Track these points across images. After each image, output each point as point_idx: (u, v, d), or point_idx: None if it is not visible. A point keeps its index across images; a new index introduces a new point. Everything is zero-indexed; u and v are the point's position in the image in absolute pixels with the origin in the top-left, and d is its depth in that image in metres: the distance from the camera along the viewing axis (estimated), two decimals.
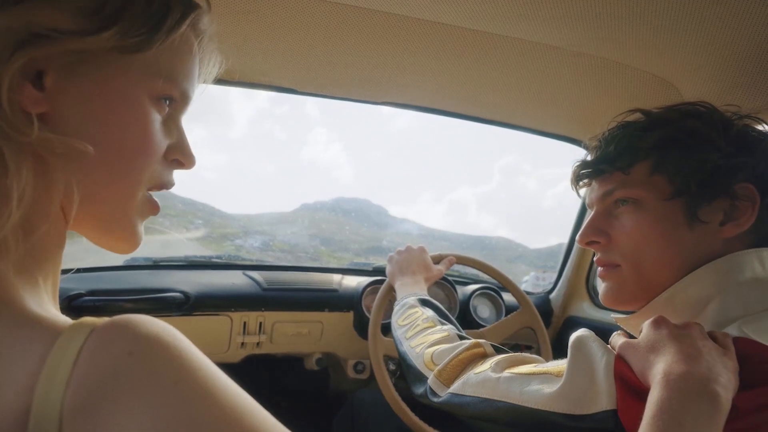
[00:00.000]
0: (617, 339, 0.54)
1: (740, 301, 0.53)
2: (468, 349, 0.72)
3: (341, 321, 1.39)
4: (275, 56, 0.98)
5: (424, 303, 0.97)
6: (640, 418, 0.42)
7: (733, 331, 0.50)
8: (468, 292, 1.47)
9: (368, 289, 1.41)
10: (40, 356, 0.29)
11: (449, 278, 1.47)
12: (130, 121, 0.40)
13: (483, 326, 1.30)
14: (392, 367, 1.36)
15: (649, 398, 0.43)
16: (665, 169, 0.59)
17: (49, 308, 0.34)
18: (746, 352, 0.46)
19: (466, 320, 1.42)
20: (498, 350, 0.72)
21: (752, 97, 0.81)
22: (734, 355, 0.46)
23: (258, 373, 1.43)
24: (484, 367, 0.65)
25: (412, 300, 0.99)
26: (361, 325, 1.37)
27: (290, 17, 0.82)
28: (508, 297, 1.49)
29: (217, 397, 0.29)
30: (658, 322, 0.51)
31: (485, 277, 1.45)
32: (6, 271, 0.33)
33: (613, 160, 0.63)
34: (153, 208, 0.46)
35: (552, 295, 1.62)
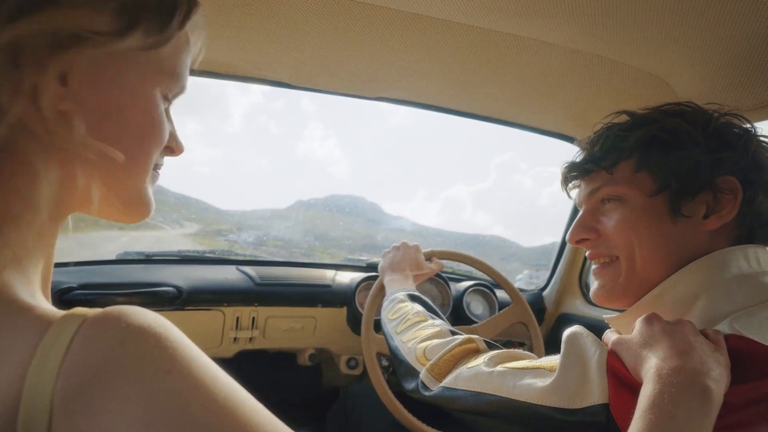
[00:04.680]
0: (610, 335, 0.54)
1: (728, 297, 0.54)
2: (461, 344, 0.72)
3: (334, 317, 1.40)
4: (270, 50, 0.97)
5: (413, 298, 0.97)
6: (632, 413, 0.43)
7: (724, 327, 0.50)
8: (461, 289, 1.48)
9: (362, 285, 1.41)
10: (31, 346, 0.29)
11: (443, 275, 1.47)
12: (146, 119, 0.41)
13: (476, 322, 1.30)
14: (385, 363, 1.37)
15: (641, 392, 0.43)
16: (648, 166, 0.61)
17: (41, 300, 0.34)
18: (737, 349, 0.47)
19: (459, 316, 1.42)
20: (491, 346, 0.72)
21: (745, 96, 0.82)
22: (726, 351, 0.46)
23: (250, 369, 1.43)
24: (477, 362, 0.65)
25: (401, 295, 0.99)
26: (354, 321, 1.37)
27: (285, 11, 0.81)
28: (501, 294, 1.49)
29: (209, 387, 0.29)
30: (651, 319, 0.51)
31: (479, 273, 1.45)
32: (3, 265, 0.33)
33: (598, 160, 0.65)
34: (157, 176, 0.47)
35: (545, 292, 1.63)
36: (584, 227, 0.67)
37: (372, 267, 1.57)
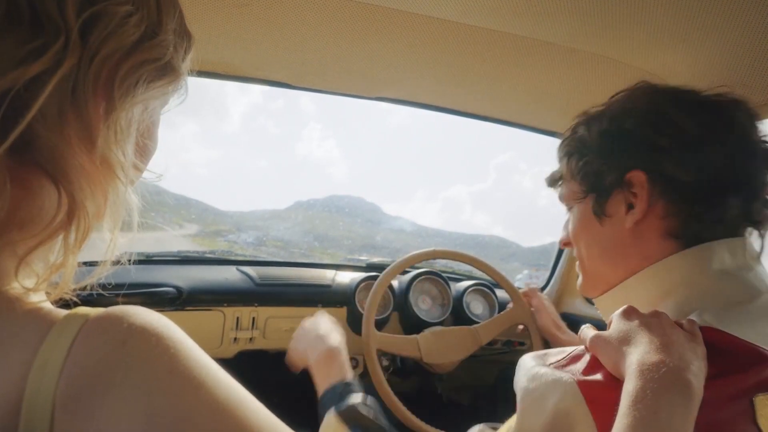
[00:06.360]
0: (588, 332, 0.52)
1: (703, 292, 0.54)
2: None
3: (334, 316, 1.39)
4: (270, 50, 0.97)
5: (354, 425, 0.67)
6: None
7: (694, 319, 0.50)
8: (461, 289, 1.47)
9: (362, 284, 1.41)
10: (33, 346, 0.29)
11: (443, 275, 1.48)
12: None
13: (476, 323, 1.30)
14: (386, 362, 1.37)
15: (624, 388, 0.43)
16: (571, 174, 0.66)
17: (43, 300, 0.34)
18: (711, 341, 0.47)
19: (459, 317, 1.42)
20: None
21: (745, 95, 0.82)
22: (702, 341, 0.46)
23: (251, 369, 1.43)
24: None
25: (332, 417, 0.69)
26: (354, 321, 1.37)
27: (285, 11, 0.81)
28: (501, 294, 1.49)
29: (210, 387, 0.29)
30: (628, 313, 0.51)
31: (478, 273, 1.45)
32: (10, 267, 0.33)
33: (551, 175, 0.72)
34: None
35: (545, 292, 1.62)
36: (563, 231, 0.72)
37: (372, 267, 1.57)
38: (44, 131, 0.31)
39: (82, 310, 0.31)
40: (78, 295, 0.40)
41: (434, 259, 1.32)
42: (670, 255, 0.57)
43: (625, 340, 0.47)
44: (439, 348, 1.21)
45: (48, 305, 0.33)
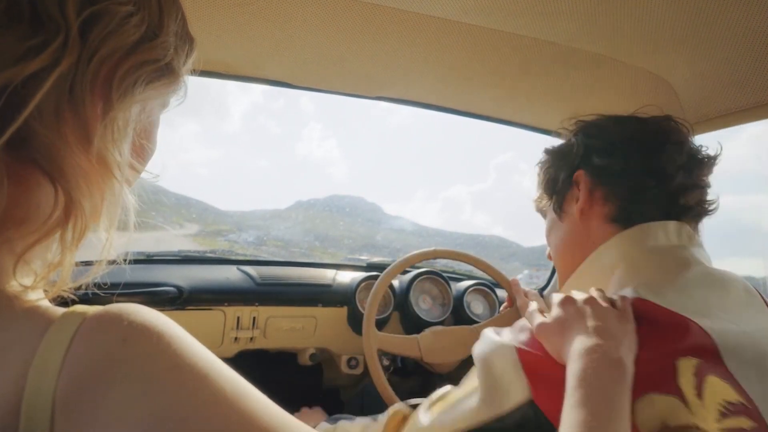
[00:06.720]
0: (536, 317, 0.57)
1: (638, 265, 0.61)
2: (388, 423, 0.73)
3: (335, 316, 1.39)
4: (270, 50, 0.97)
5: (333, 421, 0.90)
6: (554, 399, 0.47)
7: (629, 292, 0.55)
8: (462, 288, 1.47)
9: (362, 284, 1.41)
10: (32, 344, 0.29)
11: (443, 274, 1.47)
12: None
13: (477, 322, 1.30)
14: (386, 362, 1.37)
15: (568, 370, 0.48)
16: (540, 186, 0.79)
17: (41, 298, 0.34)
18: (641, 312, 0.52)
19: (459, 316, 1.42)
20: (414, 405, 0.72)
21: (746, 94, 0.82)
22: (632, 316, 0.52)
23: (251, 368, 1.43)
24: (414, 421, 0.65)
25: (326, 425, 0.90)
26: (354, 321, 1.37)
27: (285, 11, 0.81)
28: (501, 293, 1.49)
29: (213, 381, 0.29)
30: (564, 303, 0.57)
31: (479, 273, 1.45)
32: (8, 265, 0.33)
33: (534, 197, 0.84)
34: None
35: (545, 292, 1.62)
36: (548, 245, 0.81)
37: (372, 267, 1.57)
38: (41, 128, 0.31)
39: (80, 308, 0.31)
40: (75, 294, 0.39)
41: (435, 258, 1.31)
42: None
43: (564, 327, 0.53)
44: (440, 348, 1.21)
45: (46, 303, 0.33)
